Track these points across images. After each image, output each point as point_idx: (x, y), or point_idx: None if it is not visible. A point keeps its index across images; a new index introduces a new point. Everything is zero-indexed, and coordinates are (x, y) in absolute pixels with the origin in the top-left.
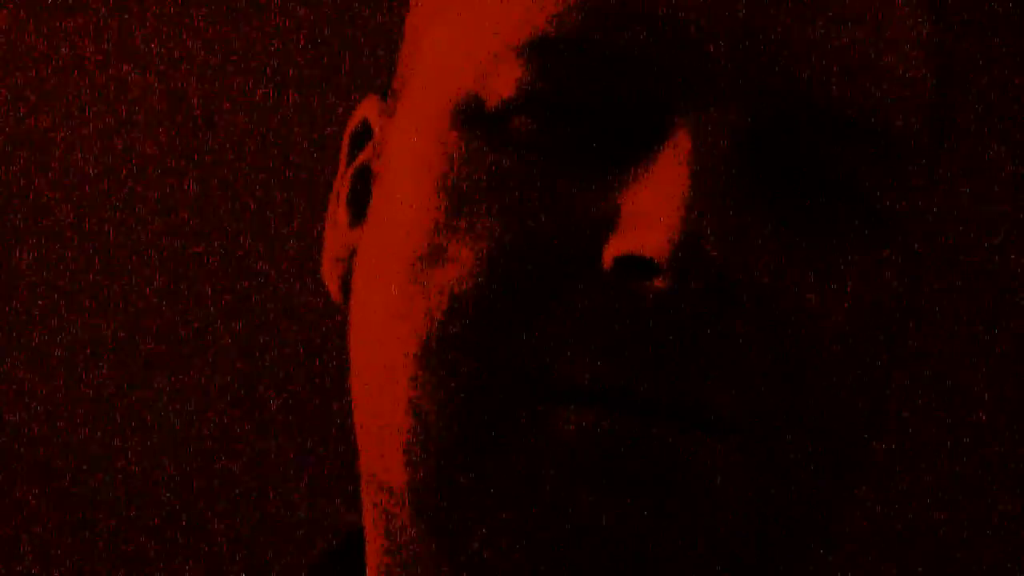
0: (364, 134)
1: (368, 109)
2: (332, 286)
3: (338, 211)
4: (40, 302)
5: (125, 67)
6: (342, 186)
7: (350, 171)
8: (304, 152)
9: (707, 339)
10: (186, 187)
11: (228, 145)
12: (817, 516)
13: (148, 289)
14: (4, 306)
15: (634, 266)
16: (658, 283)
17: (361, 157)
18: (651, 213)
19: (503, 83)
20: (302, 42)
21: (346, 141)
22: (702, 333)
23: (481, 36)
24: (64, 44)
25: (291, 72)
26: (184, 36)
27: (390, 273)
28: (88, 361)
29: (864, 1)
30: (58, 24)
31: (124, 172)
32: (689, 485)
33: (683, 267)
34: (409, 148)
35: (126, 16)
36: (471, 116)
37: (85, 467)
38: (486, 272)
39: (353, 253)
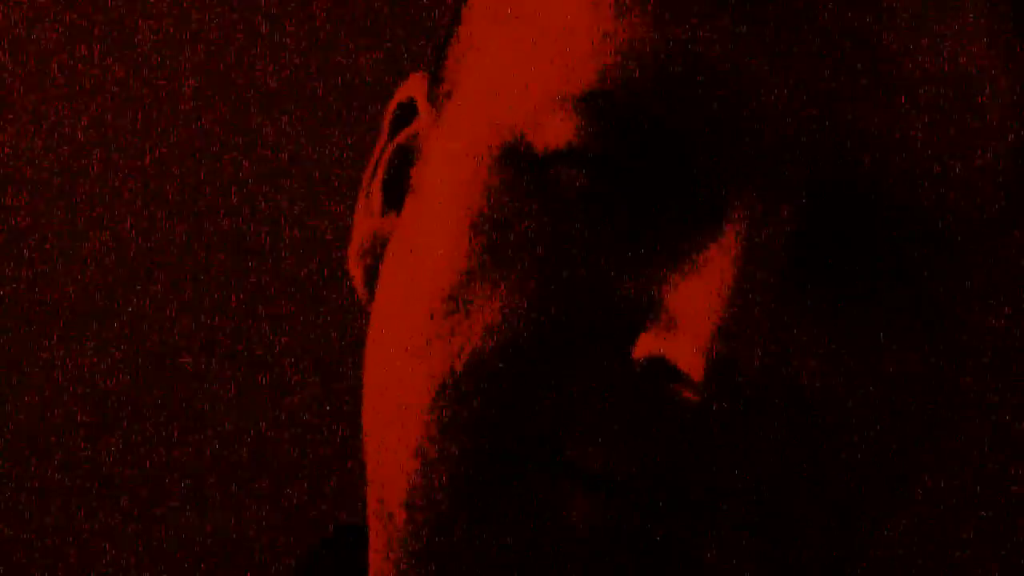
0: (408, 112)
1: (415, 88)
2: (356, 278)
3: (372, 193)
4: (42, 299)
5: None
6: (379, 166)
7: (389, 149)
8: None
9: (730, 442)
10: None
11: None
12: None
13: (152, 285)
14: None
15: (664, 368)
16: (687, 394)
17: (403, 135)
18: (691, 318)
19: (554, 132)
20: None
21: (388, 117)
22: (725, 439)
23: (539, 74)
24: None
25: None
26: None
27: (415, 308)
28: (85, 358)
29: (949, 86)
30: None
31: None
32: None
33: (715, 386)
34: (450, 174)
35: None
36: (517, 158)
37: (81, 465)
38: (512, 332)
39: (382, 243)
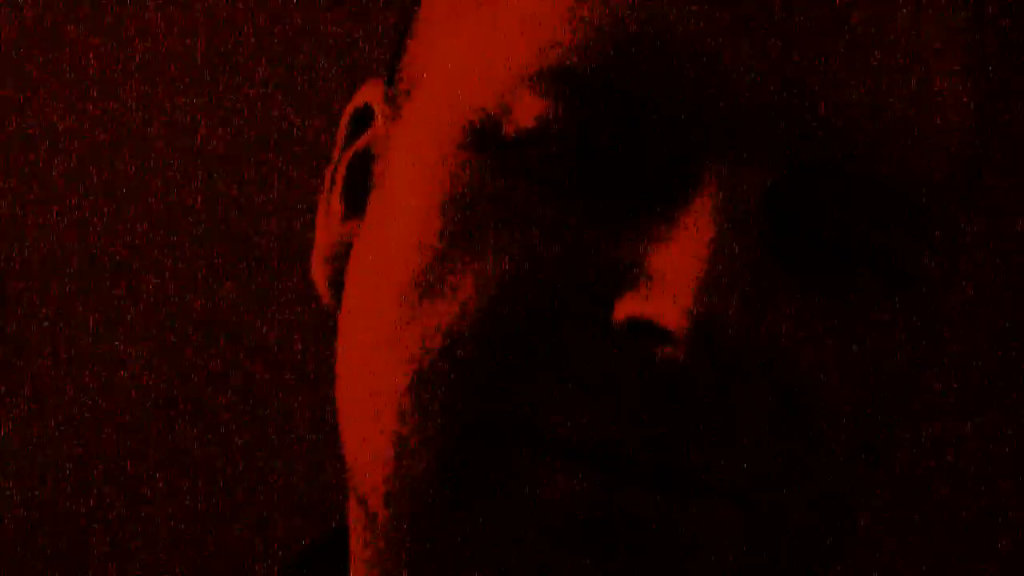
0: (365, 118)
1: (371, 94)
2: (321, 283)
3: (332, 200)
4: (39, 294)
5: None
6: (337, 172)
7: (347, 156)
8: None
9: (712, 408)
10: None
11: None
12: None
13: (148, 282)
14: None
15: (646, 329)
16: (671, 353)
17: (360, 142)
18: (672, 278)
19: (522, 111)
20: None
21: (344, 124)
22: (708, 403)
23: (504, 56)
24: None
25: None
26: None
27: (385, 295)
28: (86, 355)
29: (911, 56)
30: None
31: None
32: (676, 551)
33: (699, 343)
34: (415, 162)
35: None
36: (485, 139)
37: (80, 463)
38: (486, 311)
39: (346, 248)
